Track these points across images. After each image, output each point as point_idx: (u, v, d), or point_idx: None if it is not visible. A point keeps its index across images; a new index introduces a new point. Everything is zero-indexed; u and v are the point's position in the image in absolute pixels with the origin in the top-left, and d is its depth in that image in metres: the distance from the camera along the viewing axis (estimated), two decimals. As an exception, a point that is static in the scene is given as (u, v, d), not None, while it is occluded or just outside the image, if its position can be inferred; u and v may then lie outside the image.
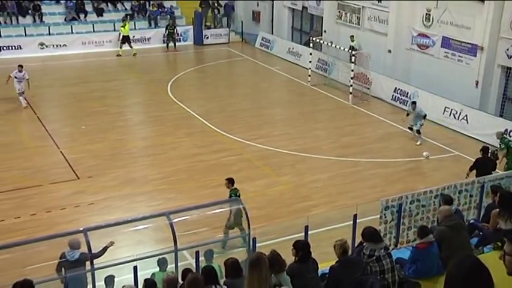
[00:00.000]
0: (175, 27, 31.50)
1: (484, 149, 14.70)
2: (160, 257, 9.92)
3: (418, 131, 18.89)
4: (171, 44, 31.28)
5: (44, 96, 23.29)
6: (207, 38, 32.96)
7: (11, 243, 9.83)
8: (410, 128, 19.09)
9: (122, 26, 29.80)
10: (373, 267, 7.29)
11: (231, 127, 19.85)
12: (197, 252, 9.94)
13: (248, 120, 20.82)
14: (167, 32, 31.20)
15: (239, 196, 12.32)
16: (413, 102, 19.56)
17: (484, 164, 14.07)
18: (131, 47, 29.65)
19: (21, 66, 22.01)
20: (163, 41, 31.42)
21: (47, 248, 10.02)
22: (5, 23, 29.99)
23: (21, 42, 29.18)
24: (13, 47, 28.87)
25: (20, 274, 9.87)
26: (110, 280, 9.30)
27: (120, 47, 29.64)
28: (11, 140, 18.65)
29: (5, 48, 28.66)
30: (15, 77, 21.65)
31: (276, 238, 11.31)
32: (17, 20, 30.29)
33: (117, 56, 29.44)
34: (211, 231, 12.15)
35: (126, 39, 29.68)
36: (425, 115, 19.04)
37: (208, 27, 33.41)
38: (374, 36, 25.22)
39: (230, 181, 12.61)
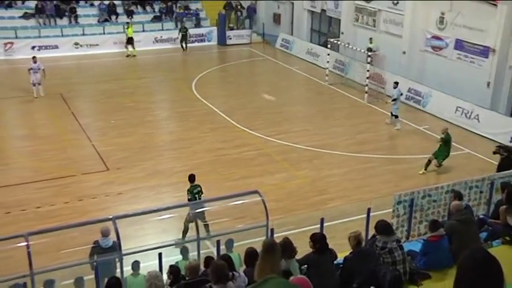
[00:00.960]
0: (187, 29, 31.46)
1: (510, 149, 14.25)
2: (183, 246, 9.99)
3: (396, 116, 19.43)
4: (185, 45, 31.12)
5: (77, 92, 23.55)
6: (230, 38, 32.97)
7: (48, 229, 9.97)
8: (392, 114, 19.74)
9: (127, 28, 29.89)
10: (386, 258, 7.26)
11: (252, 123, 19.86)
12: (218, 241, 9.98)
13: (268, 117, 20.81)
14: (181, 34, 31.18)
15: (197, 193, 12.34)
16: (396, 82, 19.86)
17: (507, 164, 13.58)
18: (133, 48, 29.53)
19: (34, 57, 22.63)
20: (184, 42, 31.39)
21: (79, 234, 10.16)
22: (44, 24, 30.39)
23: (58, 42, 29.52)
24: (50, 47, 29.21)
25: (56, 257, 10.08)
26: (136, 266, 9.38)
27: (126, 48, 29.59)
28: (49, 132, 18.92)
29: (43, 47, 29.00)
30: (31, 69, 22.12)
31: (293, 229, 11.31)
32: (55, 21, 30.68)
33: (127, 56, 29.34)
34: (232, 222, 12.18)
35: (130, 40, 29.70)
36: (396, 99, 19.50)
37: (231, 29, 33.45)
38: (389, 38, 25.00)
39: (189, 178, 12.64)
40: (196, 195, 12.40)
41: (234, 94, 23.84)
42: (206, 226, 12.00)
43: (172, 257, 9.96)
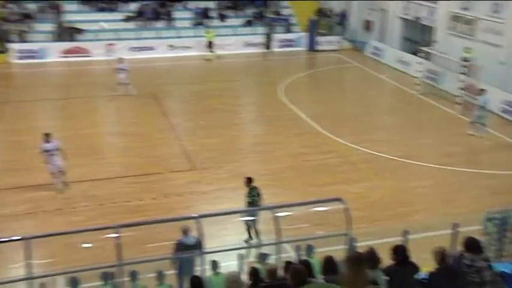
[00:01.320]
0: (269, 35, 31.61)
1: None
2: (261, 253, 10.01)
3: (473, 122, 18.91)
4: (268, 50, 31.19)
5: (169, 92, 24.39)
6: (320, 44, 32.82)
7: (136, 222, 10.37)
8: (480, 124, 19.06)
9: (207, 33, 30.54)
10: (473, 278, 6.93)
11: (338, 130, 19.66)
12: (298, 247, 9.96)
13: (355, 125, 20.51)
14: (266, 40, 31.38)
15: (257, 195, 12.42)
16: (482, 89, 19.25)
17: None
18: (212, 52, 30.06)
19: (121, 58, 23.67)
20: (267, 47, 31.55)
21: (165, 230, 10.48)
22: (143, 27, 31.85)
23: (154, 44, 30.82)
24: (147, 48, 30.58)
25: (143, 250, 10.47)
26: (214, 265, 9.52)
27: (210, 52, 30.27)
28: (141, 130, 19.73)
29: (141, 49, 30.43)
30: (118, 68, 23.15)
31: (374, 240, 11.04)
32: (153, 24, 32.07)
33: (207, 60, 29.84)
34: (313, 228, 12.12)
35: (210, 44, 30.26)
36: (483, 106, 18.86)
37: (322, 34, 33.30)
38: (487, 47, 23.81)
39: (248, 180, 12.62)
40: (255, 198, 12.48)
41: (321, 100, 23.72)
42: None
43: (252, 258, 10.06)
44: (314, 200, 12.20)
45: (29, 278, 8.20)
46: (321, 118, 20.91)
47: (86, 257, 10.24)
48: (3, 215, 13.58)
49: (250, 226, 12.40)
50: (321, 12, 34.35)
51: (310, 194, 14.33)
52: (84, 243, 10.23)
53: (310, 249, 10.07)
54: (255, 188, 12.65)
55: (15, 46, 29.06)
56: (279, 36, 32.53)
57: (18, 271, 8.64)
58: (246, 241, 12.30)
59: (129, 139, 18.99)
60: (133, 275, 9.20)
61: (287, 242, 11.16)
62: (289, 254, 10.92)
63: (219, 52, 30.11)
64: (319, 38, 32.94)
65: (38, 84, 25.75)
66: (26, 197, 14.46)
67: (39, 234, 8.91)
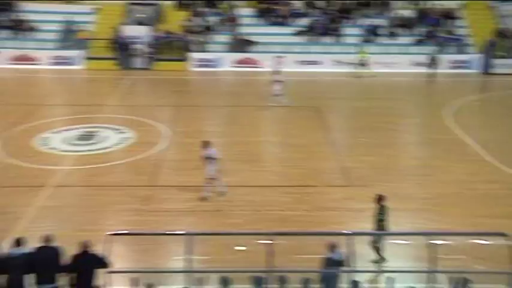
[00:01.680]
0: (433, 56, 30.11)
1: None
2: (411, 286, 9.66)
3: None
4: (431, 71, 29.87)
5: (331, 107, 24.58)
6: (496, 67, 30.70)
7: (290, 232, 10.62)
8: None
9: (361, 52, 30.28)
10: None
11: (509, 160, 18.16)
12: (453, 279, 9.44)
13: (529, 156, 18.81)
14: (431, 60, 29.96)
15: (383, 214, 11.80)
16: None
17: None
18: (358, 69, 29.77)
19: (277, 70, 24.25)
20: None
21: (315, 243, 10.58)
22: (312, 41, 32.61)
23: (320, 58, 31.48)
24: (313, 62, 31.32)
25: (291, 260, 10.70)
26: (355, 285, 9.36)
27: (368, 69, 29.79)
28: (300, 142, 20.13)
29: (307, 62, 31.30)
30: (275, 80, 23.78)
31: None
32: (321, 39, 32.70)
33: (357, 77, 29.58)
34: (470, 261, 11.35)
35: (363, 62, 29.95)
36: None
37: (499, 57, 31.09)
38: None
39: (379, 198, 12.07)
40: (384, 217, 12.02)
41: (491, 126, 22.10)
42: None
43: (403, 283, 9.74)
44: (474, 231, 11.47)
45: (188, 271, 8.86)
46: (489, 145, 19.49)
47: (239, 259, 10.75)
48: (169, 209, 14.77)
49: (379, 247, 12.02)
50: (501, 33, 32.10)
51: (469, 225, 13.46)
52: (237, 246, 10.73)
53: (466, 282, 9.49)
54: (385, 207, 12.22)
55: (195, 55, 31.65)
56: (450, 57, 31.14)
57: (177, 263, 9.35)
58: (376, 262, 11.95)
59: (288, 149, 19.51)
60: (283, 281, 9.41)
61: (442, 271, 10.63)
62: (442, 285, 10.38)
63: (375, 70, 29.98)
64: (496, 61, 30.82)
65: (210, 91, 27.77)
66: (190, 195, 15.54)
67: (201, 231, 9.58)
